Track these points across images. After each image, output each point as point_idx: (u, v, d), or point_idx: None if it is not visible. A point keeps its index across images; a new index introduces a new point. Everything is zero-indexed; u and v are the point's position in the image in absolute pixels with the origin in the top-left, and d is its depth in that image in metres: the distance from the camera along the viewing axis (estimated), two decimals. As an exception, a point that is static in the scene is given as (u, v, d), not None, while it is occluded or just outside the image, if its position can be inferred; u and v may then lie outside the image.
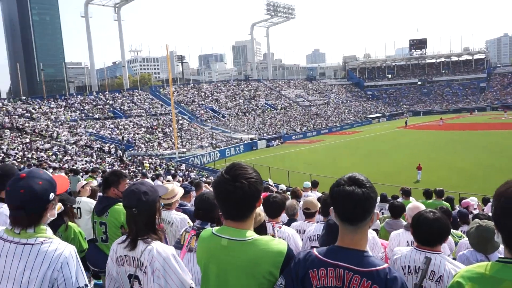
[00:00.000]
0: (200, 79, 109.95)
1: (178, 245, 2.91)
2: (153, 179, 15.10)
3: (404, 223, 4.67)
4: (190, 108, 58.96)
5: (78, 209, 5.31)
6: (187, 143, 44.43)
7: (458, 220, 6.75)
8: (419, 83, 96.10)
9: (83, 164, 27.35)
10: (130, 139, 41.61)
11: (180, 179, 18.17)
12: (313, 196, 8.08)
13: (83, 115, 46.90)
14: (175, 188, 4.08)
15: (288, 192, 10.16)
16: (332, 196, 1.77)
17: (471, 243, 3.34)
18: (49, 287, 1.89)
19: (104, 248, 3.77)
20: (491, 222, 3.05)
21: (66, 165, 24.56)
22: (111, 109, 50.99)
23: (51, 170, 17.25)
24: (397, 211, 5.62)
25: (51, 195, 2.05)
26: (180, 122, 50.87)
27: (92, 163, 28.16)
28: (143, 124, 47.55)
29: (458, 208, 8.73)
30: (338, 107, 78.35)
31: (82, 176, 13.68)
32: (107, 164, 29.42)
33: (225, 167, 1.96)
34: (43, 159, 27.66)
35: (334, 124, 66.80)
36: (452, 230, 4.82)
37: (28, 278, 1.87)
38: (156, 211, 2.40)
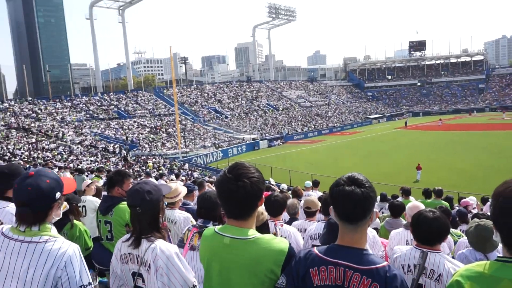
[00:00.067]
0: (203, 80, 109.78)
1: (181, 244, 2.91)
2: (156, 179, 15.12)
3: (404, 222, 4.66)
4: (193, 108, 59.02)
5: (83, 208, 5.32)
6: (190, 143, 44.46)
7: (457, 219, 6.74)
8: (419, 84, 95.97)
9: (88, 164, 27.38)
10: (134, 139, 41.68)
11: (183, 178, 18.18)
12: (314, 195, 8.08)
13: (88, 115, 47.00)
14: (179, 187, 4.08)
15: (289, 192, 10.15)
16: (332, 196, 1.77)
17: (470, 242, 3.33)
18: (53, 285, 1.89)
19: (109, 246, 3.77)
20: (490, 222, 3.04)
21: (71, 165, 24.59)
22: (116, 109, 51.08)
23: (56, 170, 17.28)
24: (397, 210, 5.61)
25: (58, 194, 2.05)
26: (184, 122, 50.91)
27: (97, 163, 28.20)
28: (147, 125, 47.61)
29: (457, 208, 8.71)
30: (338, 107, 78.29)
31: (87, 176, 13.70)
32: (112, 164, 29.45)
33: (228, 167, 1.96)
34: (48, 158, 27.70)
35: (335, 124, 66.75)
36: (451, 229, 4.81)
37: (32, 276, 1.87)
38: (160, 210, 2.40)
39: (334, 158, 34.81)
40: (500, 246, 1.48)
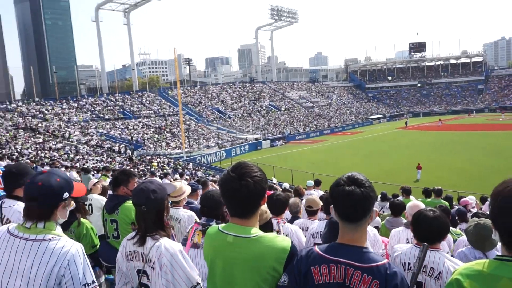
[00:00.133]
0: (206, 81, 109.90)
1: (185, 242, 2.91)
2: (161, 178, 15.14)
3: (404, 221, 4.66)
4: (197, 109, 59.06)
5: (90, 206, 5.33)
6: (194, 143, 44.49)
7: (457, 218, 6.73)
8: (419, 85, 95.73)
9: (93, 163, 27.43)
10: (139, 139, 41.75)
11: (187, 177, 18.21)
12: (315, 194, 8.07)
13: (94, 116, 47.10)
14: (183, 186, 4.09)
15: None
16: (332, 196, 1.77)
17: (469, 241, 3.32)
18: (56, 283, 1.89)
19: (116, 244, 3.77)
20: (489, 221, 3.03)
21: (77, 164, 24.62)
22: (121, 110, 51.16)
23: (63, 169, 17.32)
24: (397, 209, 5.61)
25: (65, 194, 2.07)
26: (188, 122, 50.95)
27: (102, 162, 28.25)
28: (152, 125, 47.67)
29: (457, 207, 8.69)
30: (340, 108, 78.17)
31: (93, 175, 13.74)
32: (117, 163, 29.50)
33: (231, 166, 1.96)
34: (55, 158, 27.76)
35: (336, 124, 66.64)
36: (451, 228, 4.80)
37: (36, 273, 1.87)
38: (165, 208, 2.41)
39: (335, 158, 34.77)
40: (499, 244, 1.48)
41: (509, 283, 1.36)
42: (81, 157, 30.15)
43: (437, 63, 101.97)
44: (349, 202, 1.69)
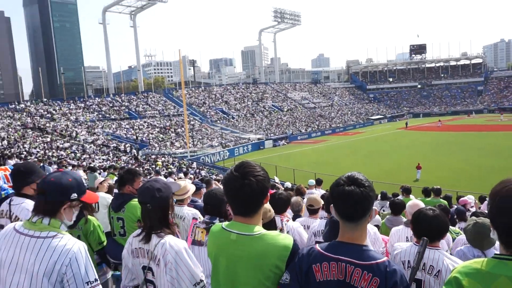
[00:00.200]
0: (210, 82, 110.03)
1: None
2: (166, 177, 15.17)
3: (404, 219, 4.65)
4: (201, 109, 59.12)
5: (96, 204, 5.34)
6: (198, 142, 44.55)
7: (456, 217, 6.71)
8: (419, 86, 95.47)
9: (100, 162, 27.50)
10: (144, 138, 41.85)
11: (192, 176, 18.21)
12: (317, 193, 8.06)
13: (100, 116, 47.25)
14: (187, 185, 4.10)
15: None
16: (332, 195, 1.77)
17: (468, 239, 3.32)
18: (57, 280, 1.89)
19: (122, 241, 3.77)
20: (488, 220, 3.03)
21: (84, 163, 24.71)
22: (127, 110, 51.30)
23: (70, 168, 17.39)
24: (397, 208, 5.60)
25: (74, 195, 2.09)
26: (192, 122, 51.00)
27: (108, 161, 28.33)
28: (157, 125, 47.76)
29: (456, 206, 8.66)
30: (341, 109, 78.06)
31: (99, 174, 13.78)
32: (123, 162, 29.57)
33: (234, 165, 1.96)
34: (63, 157, 27.83)
35: (338, 125, 66.55)
36: (450, 227, 4.78)
37: (38, 269, 1.88)
38: (169, 206, 2.41)
39: (336, 158, 34.71)
40: (497, 243, 1.48)
41: (507, 281, 1.36)
42: (87, 156, 30.23)
43: (437, 64, 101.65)
44: (349, 202, 1.69)
